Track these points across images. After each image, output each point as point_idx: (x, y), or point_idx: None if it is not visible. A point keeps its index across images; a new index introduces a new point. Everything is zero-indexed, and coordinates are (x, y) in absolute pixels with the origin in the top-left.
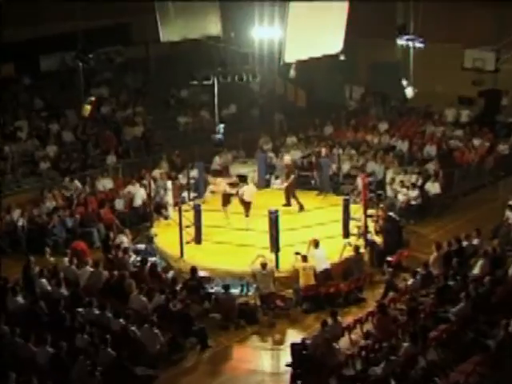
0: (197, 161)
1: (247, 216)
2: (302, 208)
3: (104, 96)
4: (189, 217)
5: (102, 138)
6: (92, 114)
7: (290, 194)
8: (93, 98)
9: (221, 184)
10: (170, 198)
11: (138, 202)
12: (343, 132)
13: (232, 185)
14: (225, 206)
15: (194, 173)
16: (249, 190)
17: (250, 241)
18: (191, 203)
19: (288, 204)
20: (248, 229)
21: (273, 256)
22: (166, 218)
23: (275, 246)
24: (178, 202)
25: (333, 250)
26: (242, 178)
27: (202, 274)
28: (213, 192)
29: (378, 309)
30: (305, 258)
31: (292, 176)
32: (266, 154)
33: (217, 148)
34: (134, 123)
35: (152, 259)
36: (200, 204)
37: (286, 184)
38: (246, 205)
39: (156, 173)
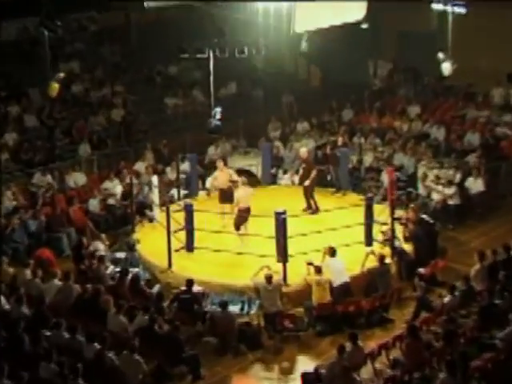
0: (188, 152)
1: (238, 230)
2: (316, 210)
3: (75, 72)
4: (179, 219)
5: (73, 124)
6: (60, 94)
7: (310, 195)
8: (61, 75)
9: (225, 173)
10: (155, 197)
11: (116, 201)
12: (366, 117)
13: (232, 182)
14: (222, 204)
15: (185, 166)
16: (243, 193)
17: (253, 248)
18: (181, 203)
19: (309, 207)
20: (244, 234)
21: (280, 267)
22: (151, 220)
23: (283, 254)
24: (166, 202)
25: (353, 260)
26: (244, 173)
27: (194, 288)
28: (215, 185)
29: (408, 332)
30: (319, 270)
31: (313, 172)
32: (272, 144)
33: (212, 136)
34: (112, 105)
35: (134, 270)
36: (192, 204)
37: (306, 183)
38: (242, 215)
39: (139, 166)
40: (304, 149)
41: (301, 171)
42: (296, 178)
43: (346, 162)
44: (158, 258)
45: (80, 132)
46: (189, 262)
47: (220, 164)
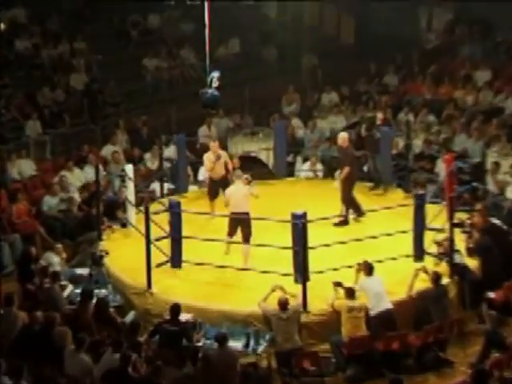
0: (175, 132)
1: (230, 236)
2: (360, 214)
3: (20, 22)
4: (162, 223)
5: (18, 93)
6: (1, 53)
7: (349, 194)
8: (1, 26)
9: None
10: (130, 193)
11: (76, 197)
12: (416, 85)
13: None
14: (212, 201)
15: (171, 151)
16: (232, 192)
17: (261, 264)
18: (165, 201)
19: (355, 211)
20: (232, 242)
21: (298, 288)
22: (124, 224)
23: (302, 271)
24: (145, 199)
25: (397, 280)
26: (250, 161)
27: (182, 317)
28: (210, 177)
29: (474, 378)
30: (351, 293)
31: (345, 170)
32: (287, 122)
33: (207, 111)
34: (70, 68)
35: (100, 292)
36: (180, 202)
37: (336, 183)
38: (244, 225)
39: (108, 151)
40: (344, 134)
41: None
42: (319, 168)
43: (388, 147)
44: (133, 276)
45: (27, 105)
46: (175, 281)
47: (213, 145)
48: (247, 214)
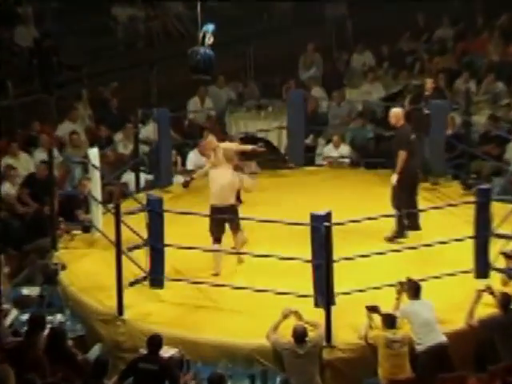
0: (155, 105)
1: (214, 242)
2: (399, 234)
3: None
4: (137, 227)
5: None
6: None
7: (404, 195)
8: None
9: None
10: (95, 186)
11: (22, 192)
12: (479, 43)
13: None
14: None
15: (149, 130)
16: (218, 180)
17: (270, 281)
18: (142, 196)
19: (404, 227)
20: (219, 251)
21: (319, 315)
22: (87, 228)
23: (325, 292)
24: (114, 195)
25: (452, 305)
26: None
27: (164, 352)
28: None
29: None
30: (390, 321)
31: (402, 155)
32: (307, 92)
33: (198, 77)
34: (15, 18)
35: (55, 319)
36: (161, 199)
37: (394, 178)
38: (230, 221)
39: (65, 130)
40: (398, 110)
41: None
42: (345, 150)
43: (440, 126)
44: (98, 297)
45: None
46: (155, 305)
47: (208, 142)
48: (232, 207)
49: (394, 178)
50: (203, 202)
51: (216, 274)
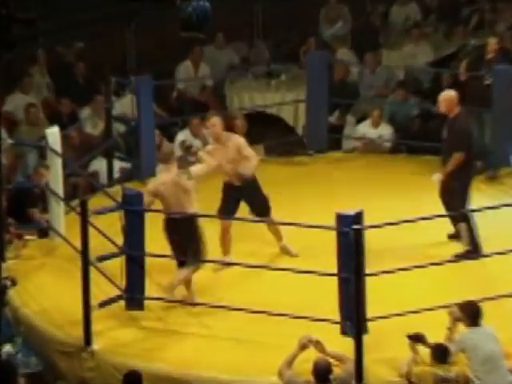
0: (133, 71)
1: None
2: (474, 250)
3: None
4: (110, 228)
5: None
6: None
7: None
8: None
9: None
10: (55, 177)
11: None
12: None
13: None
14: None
15: (125, 104)
16: (172, 187)
17: (279, 299)
18: (117, 190)
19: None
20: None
21: (347, 346)
22: (45, 232)
23: (354, 316)
24: (80, 188)
25: None
26: (266, 123)
27: None
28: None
29: None
30: (441, 355)
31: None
32: (331, 54)
33: (191, 35)
34: None
35: (3, 350)
36: (141, 193)
37: (449, 167)
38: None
39: (16, 103)
40: (450, 93)
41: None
42: (386, 131)
43: (506, 99)
44: (59, 322)
45: None
46: (131, 332)
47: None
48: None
49: (438, 176)
50: (201, 198)
51: None
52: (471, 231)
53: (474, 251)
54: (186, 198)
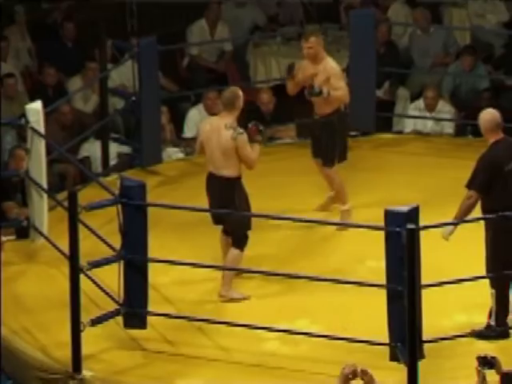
0: (134, 33)
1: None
2: None
3: None
4: (104, 227)
5: None
6: None
7: None
8: None
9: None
10: (37, 163)
11: None
12: None
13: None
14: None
15: (124, 73)
16: (212, 139)
17: (308, 317)
18: (115, 180)
19: None
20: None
21: (401, 374)
22: (23, 230)
23: (409, 338)
24: (68, 177)
25: None
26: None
27: None
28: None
29: None
30: None
31: None
32: (380, 13)
33: None
34: None
35: None
36: (143, 184)
37: None
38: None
39: None
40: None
41: None
42: (446, 110)
43: None
44: (41, 343)
45: None
46: (130, 356)
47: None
48: (234, 179)
49: None
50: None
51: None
52: (504, 303)
53: (497, 333)
54: (221, 158)
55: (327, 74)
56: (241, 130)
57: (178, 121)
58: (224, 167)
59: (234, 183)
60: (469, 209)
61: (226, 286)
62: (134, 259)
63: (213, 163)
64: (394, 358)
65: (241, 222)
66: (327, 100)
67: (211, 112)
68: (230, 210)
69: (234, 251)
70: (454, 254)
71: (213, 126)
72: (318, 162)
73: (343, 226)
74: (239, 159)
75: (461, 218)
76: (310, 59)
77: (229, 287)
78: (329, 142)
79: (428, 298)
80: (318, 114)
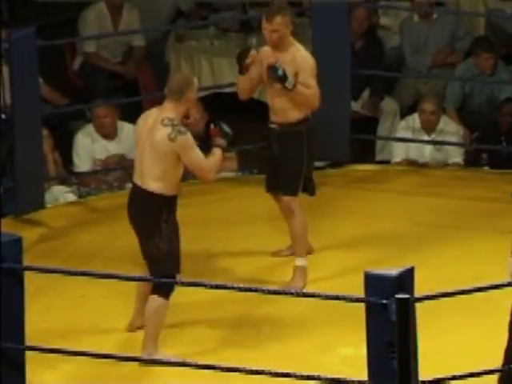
0: (3, 23)
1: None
2: None
3: None
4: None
5: None
6: None
7: None
8: None
9: None
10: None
11: None
12: None
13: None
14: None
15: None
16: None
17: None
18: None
19: None
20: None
21: None
22: None
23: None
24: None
25: None
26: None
27: None
28: None
29: None
30: None
31: None
32: None
33: None
34: None
35: None
36: (18, 238)
37: None
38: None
39: None
40: None
41: None
42: (453, 130)
43: None
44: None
45: None
46: None
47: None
48: (161, 197)
49: None
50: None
51: None
52: None
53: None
54: (150, 163)
55: (296, 66)
56: (183, 129)
57: (67, 148)
58: (151, 177)
59: (161, 202)
60: None
61: (149, 345)
62: (7, 346)
63: (140, 169)
64: None
65: (166, 258)
66: (293, 100)
67: (105, 133)
68: (152, 238)
69: (155, 300)
70: (469, 333)
71: (147, 121)
72: (276, 194)
73: (300, 296)
74: (178, 169)
75: None
76: (274, 46)
77: (152, 348)
78: (293, 161)
79: None
80: (276, 124)
